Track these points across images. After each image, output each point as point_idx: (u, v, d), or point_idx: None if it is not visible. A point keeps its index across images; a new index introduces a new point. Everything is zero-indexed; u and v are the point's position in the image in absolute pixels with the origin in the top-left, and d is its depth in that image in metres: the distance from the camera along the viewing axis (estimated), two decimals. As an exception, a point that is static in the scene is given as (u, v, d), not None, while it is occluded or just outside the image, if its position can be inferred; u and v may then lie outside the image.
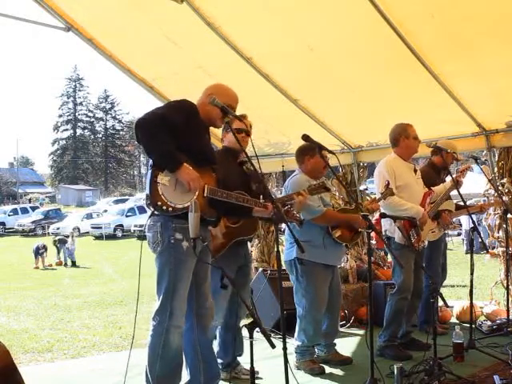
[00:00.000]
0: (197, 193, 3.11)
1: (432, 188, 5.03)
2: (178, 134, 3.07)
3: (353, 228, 4.41)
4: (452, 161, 5.41)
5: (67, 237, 19.98)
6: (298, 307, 4.46)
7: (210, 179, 3.26)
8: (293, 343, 4.43)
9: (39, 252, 17.93)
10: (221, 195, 3.24)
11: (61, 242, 19.08)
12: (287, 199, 3.98)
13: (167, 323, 3.12)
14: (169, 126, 3.03)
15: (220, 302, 3.88)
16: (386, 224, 4.70)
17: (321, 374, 4.29)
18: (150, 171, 3.12)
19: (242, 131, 3.95)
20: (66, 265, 18.44)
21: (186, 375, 3.39)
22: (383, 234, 4.68)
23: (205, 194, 3.16)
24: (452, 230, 5.49)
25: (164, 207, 3.06)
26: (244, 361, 4.24)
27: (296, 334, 4.46)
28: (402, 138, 4.71)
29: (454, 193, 5.20)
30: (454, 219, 5.48)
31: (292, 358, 4.31)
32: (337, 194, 4.61)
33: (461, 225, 16.86)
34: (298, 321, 4.46)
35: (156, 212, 3.12)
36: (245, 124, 3.80)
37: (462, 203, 5.30)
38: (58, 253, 18.90)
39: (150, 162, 3.15)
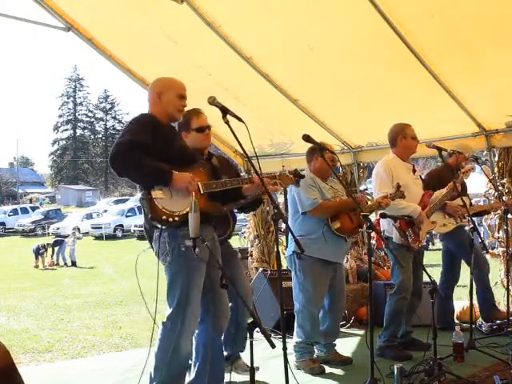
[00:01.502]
0: (194, 193, 3.07)
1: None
2: (152, 150, 3.01)
3: (353, 220, 4.41)
4: (465, 161, 5.45)
5: (65, 237, 20.02)
6: (296, 302, 4.47)
7: (202, 175, 3.22)
8: (292, 341, 4.44)
9: (39, 252, 17.96)
10: (216, 186, 3.21)
11: (56, 244, 19.14)
12: (244, 181, 3.69)
13: (179, 329, 3.09)
14: (140, 149, 2.95)
15: None
16: (384, 224, 4.71)
17: (321, 373, 4.28)
18: (141, 192, 3.08)
19: (205, 128, 3.80)
20: (65, 264, 18.50)
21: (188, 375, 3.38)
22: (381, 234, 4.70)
23: (201, 192, 3.12)
24: (467, 224, 5.47)
25: (170, 219, 3.01)
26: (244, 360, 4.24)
27: (295, 331, 4.47)
28: (400, 138, 4.72)
29: (473, 191, 5.24)
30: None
31: (292, 358, 4.31)
32: (342, 192, 4.60)
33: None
34: (295, 317, 4.46)
35: (164, 227, 3.06)
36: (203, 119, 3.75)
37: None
38: (53, 253, 18.97)
39: None
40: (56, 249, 18.92)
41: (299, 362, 4.41)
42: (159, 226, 3.07)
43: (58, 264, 18.61)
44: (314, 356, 4.50)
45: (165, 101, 3.24)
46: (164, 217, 3.01)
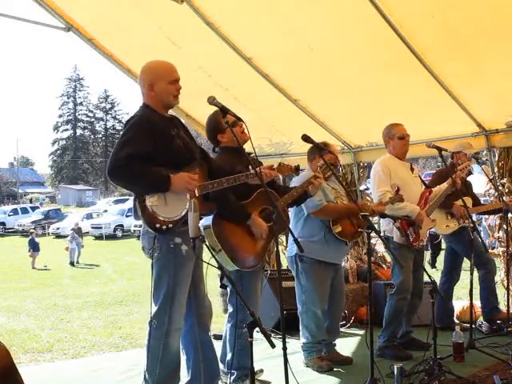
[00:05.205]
0: (188, 196, 3.05)
1: (432, 188, 5.05)
2: (153, 156, 2.99)
3: (354, 224, 4.40)
4: (466, 158, 5.46)
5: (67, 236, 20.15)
6: (299, 304, 4.50)
7: (198, 175, 3.16)
8: (299, 341, 4.52)
9: (35, 241, 18.28)
10: (212, 187, 3.18)
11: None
12: (305, 185, 3.91)
13: (166, 327, 3.09)
14: (139, 159, 2.93)
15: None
16: (384, 224, 4.70)
17: (329, 370, 4.31)
18: (135, 199, 3.05)
19: (237, 122, 3.57)
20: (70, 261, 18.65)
21: (185, 375, 3.38)
22: (382, 234, 4.69)
23: (197, 194, 3.10)
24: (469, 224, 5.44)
25: (164, 227, 3.00)
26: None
27: (300, 332, 4.51)
28: (387, 140, 4.78)
29: (479, 191, 5.25)
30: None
31: (293, 358, 4.31)
32: (342, 192, 4.59)
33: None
34: (300, 318, 4.49)
35: (158, 234, 3.04)
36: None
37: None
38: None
39: None
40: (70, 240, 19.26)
41: (308, 360, 4.45)
42: (153, 232, 3.05)
43: (67, 249, 18.94)
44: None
45: (158, 91, 3.14)
46: (158, 225, 3.00)
